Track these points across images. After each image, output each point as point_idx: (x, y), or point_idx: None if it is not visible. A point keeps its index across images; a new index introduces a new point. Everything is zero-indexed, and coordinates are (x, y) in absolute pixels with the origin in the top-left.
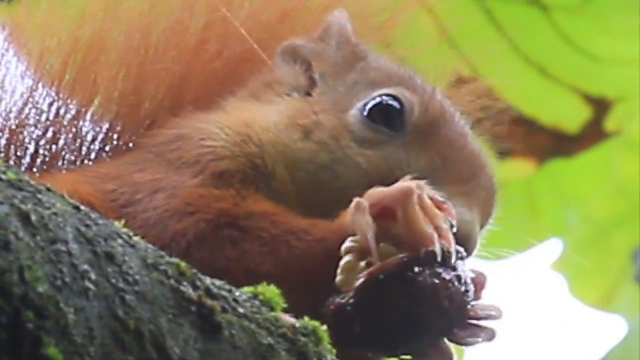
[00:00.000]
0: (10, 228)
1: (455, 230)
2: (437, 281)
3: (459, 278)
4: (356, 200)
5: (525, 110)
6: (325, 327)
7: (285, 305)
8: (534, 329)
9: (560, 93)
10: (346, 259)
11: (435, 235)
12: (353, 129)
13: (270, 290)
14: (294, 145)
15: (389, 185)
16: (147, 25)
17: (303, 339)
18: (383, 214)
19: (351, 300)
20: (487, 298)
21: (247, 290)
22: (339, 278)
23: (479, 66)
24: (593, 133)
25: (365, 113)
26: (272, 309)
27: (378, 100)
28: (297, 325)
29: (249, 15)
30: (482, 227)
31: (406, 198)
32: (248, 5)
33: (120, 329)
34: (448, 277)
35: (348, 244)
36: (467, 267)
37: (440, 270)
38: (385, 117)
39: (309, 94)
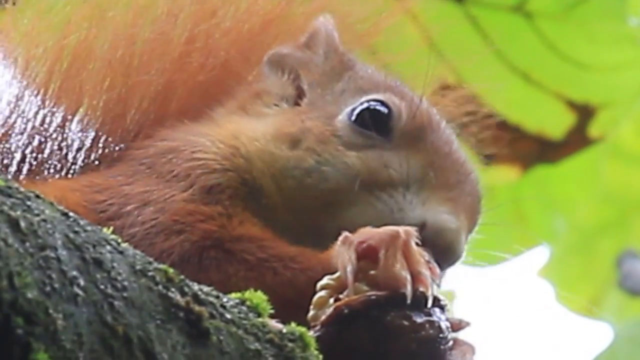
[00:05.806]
0: None
1: (439, 238)
2: (405, 323)
3: (431, 323)
4: (344, 233)
5: (510, 116)
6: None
7: (272, 311)
8: (521, 336)
9: (545, 99)
10: (319, 294)
11: (409, 279)
12: (341, 133)
13: (257, 296)
14: (281, 154)
15: (376, 185)
16: (132, 35)
17: (290, 344)
18: (367, 254)
19: (317, 334)
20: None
21: (235, 296)
22: (310, 313)
23: (464, 73)
24: (577, 139)
25: (353, 118)
26: (259, 315)
27: (366, 105)
28: (284, 330)
29: (232, 25)
30: (468, 233)
31: (391, 241)
32: (231, 16)
33: (108, 334)
34: (419, 321)
35: (325, 281)
36: (448, 316)
37: (410, 313)
38: (373, 121)
39: (297, 104)
